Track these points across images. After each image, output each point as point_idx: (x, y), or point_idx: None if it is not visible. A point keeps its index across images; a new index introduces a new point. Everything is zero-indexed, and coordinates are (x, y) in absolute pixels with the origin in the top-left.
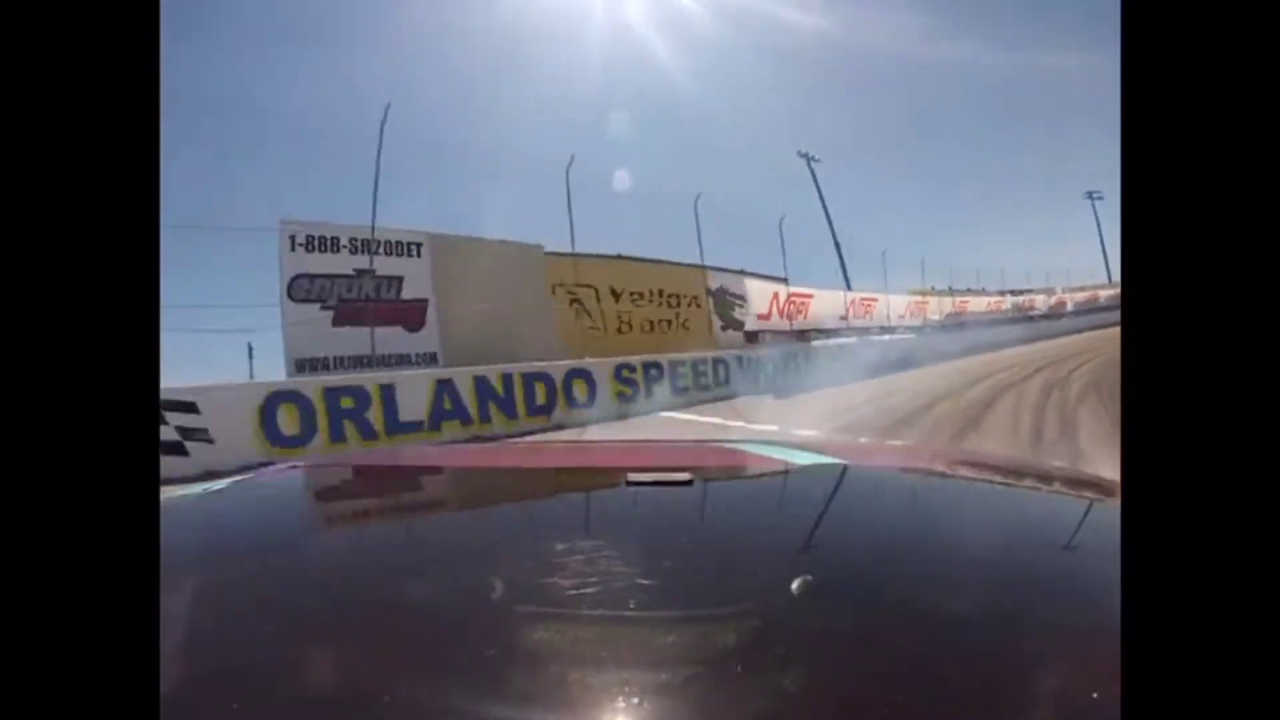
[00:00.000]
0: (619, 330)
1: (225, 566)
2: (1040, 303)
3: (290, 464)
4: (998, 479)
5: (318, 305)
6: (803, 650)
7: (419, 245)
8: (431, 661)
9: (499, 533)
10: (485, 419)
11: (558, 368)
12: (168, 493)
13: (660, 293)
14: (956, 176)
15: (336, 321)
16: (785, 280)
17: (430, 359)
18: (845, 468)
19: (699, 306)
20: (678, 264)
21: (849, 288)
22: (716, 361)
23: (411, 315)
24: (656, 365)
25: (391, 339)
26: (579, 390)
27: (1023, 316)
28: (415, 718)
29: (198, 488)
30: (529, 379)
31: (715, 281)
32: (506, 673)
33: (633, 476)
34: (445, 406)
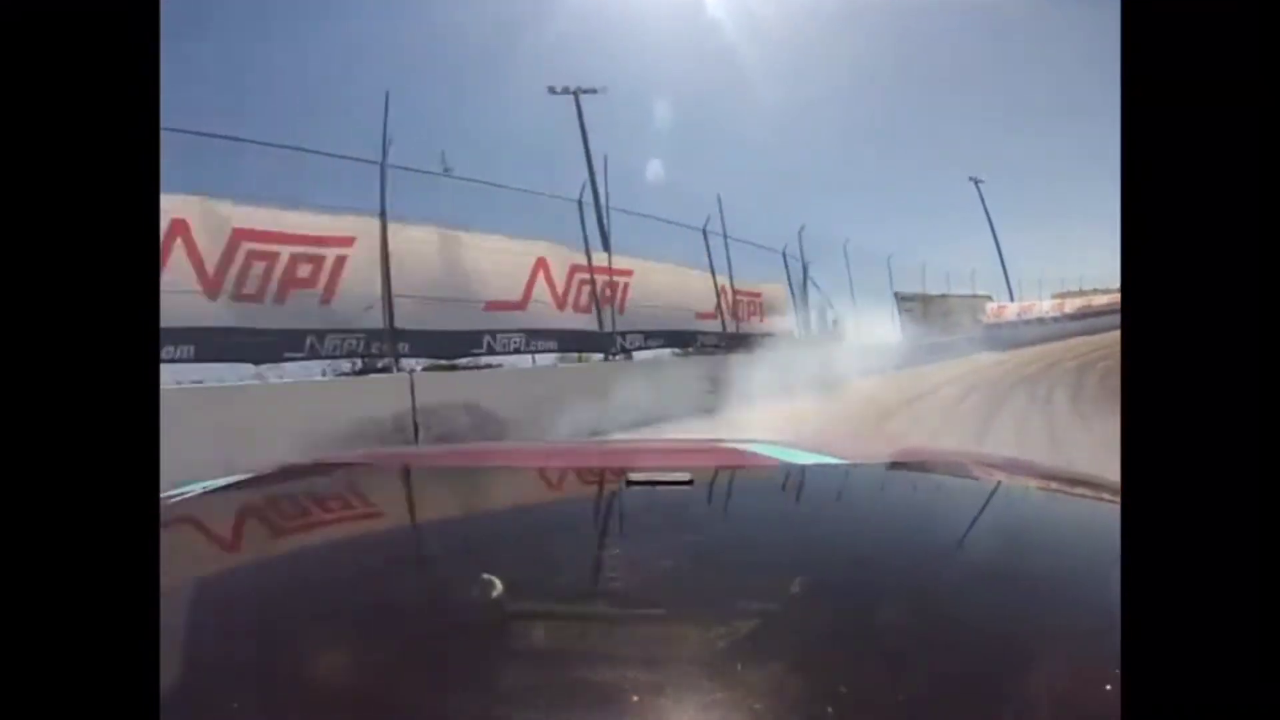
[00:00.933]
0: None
1: (225, 566)
2: None
3: (290, 463)
4: (998, 478)
5: (908, 319)
6: (803, 650)
7: (913, 296)
8: (431, 661)
9: (499, 533)
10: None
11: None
12: (168, 493)
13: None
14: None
15: (907, 324)
16: (991, 298)
17: None
18: (846, 467)
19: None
20: (957, 295)
21: (1012, 298)
22: (982, 339)
23: None
24: (970, 337)
25: None
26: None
27: None
28: (415, 717)
29: (198, 487)
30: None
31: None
32: (506, 673)
33: (633, 476)
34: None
